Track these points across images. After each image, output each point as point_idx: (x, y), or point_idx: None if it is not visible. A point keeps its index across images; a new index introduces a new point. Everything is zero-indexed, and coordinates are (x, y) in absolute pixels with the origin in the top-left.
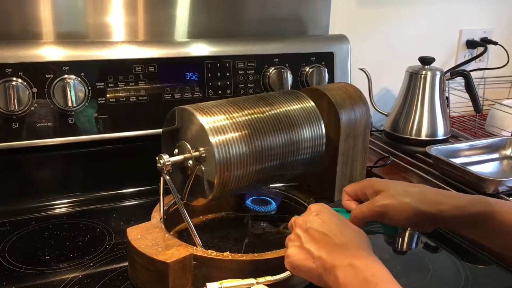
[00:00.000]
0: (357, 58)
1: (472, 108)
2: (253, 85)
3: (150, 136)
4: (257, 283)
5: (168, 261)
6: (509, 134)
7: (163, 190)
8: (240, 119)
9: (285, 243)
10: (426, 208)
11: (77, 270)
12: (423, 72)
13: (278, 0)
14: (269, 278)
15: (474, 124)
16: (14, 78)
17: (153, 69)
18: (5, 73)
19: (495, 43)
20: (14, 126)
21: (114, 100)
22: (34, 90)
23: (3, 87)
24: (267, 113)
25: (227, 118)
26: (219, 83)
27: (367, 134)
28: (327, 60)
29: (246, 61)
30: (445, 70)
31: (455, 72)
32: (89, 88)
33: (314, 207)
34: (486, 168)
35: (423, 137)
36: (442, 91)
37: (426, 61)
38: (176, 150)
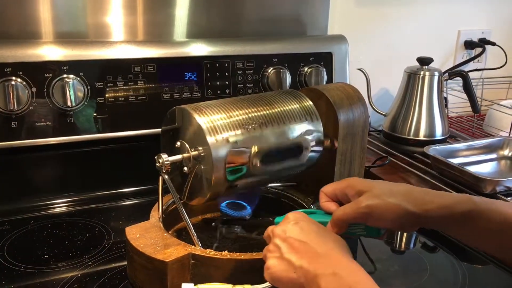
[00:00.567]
0: (356, 58)
1: (470, 109)
2: (252, 85)
3: (149, 136)
4: None
5: (167, 260)
6: (507, 135)
7: (162, 189)
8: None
9: (263, 255)
10: (412, 207)
11: (76, 269)
12: (421, 73)
13: (277, 0)
14: (247, 286)
15: (472, 125)
16: (14, 78)
17: (152, 69)
18: (4, 72)
19: (493, 44)
20: (13, 125)
21: (113, 99)
22: (34, 89)
23: (3, 87)
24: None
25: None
26: (218, 83)
27: (365, 134)
28: (325, 60)
29: (245, 61)
30: (443, 71)
31: (453, 72)
32: (88, 87)
33: (291, 216)
34: (484, 168)
35: (421, 137)
36: (440, 91)
37: (424, 61)
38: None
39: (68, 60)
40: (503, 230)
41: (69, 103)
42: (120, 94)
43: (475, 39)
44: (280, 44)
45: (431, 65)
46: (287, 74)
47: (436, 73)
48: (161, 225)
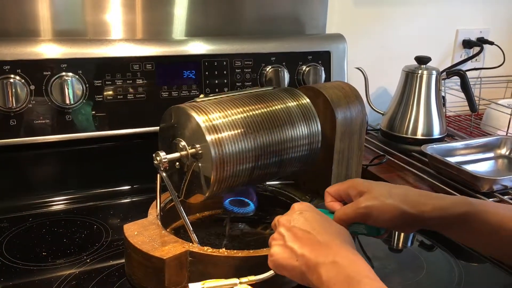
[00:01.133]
0: (354, 57)
1: (468, 108)
2: (250, 83)
3: (147, 134)
4: (240, 283)
5: (164, 257)
6: (504, 134)
7: (160, 187)
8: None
9: (268, 242)
10: (409, 209)
11: (74, 266)
12: (419, 72)
13: None
14: (252, 277)
15: (469, 124)
16: (12, 76)
17: (150, 67)
18: (3, 70)
19: (491, 43)
20: (12, 123)
21: (111, 97)
22: (32, 87)
23: (1, 84)
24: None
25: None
26: (216, 82)
27: (363, 133)
28: (324, 59)
29: (243, 60)
30: (441, 70)
31: (451, 71)
32: (87, 85)
33: (297, 206)
34: (481, 167)
35: (419, 136)
36: (438, 90)
37: (422, 60)
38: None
39: (67, 58)
40: (498, 231)
41: (67, 101)
42: (118, 92)
43: (473, 38)
44: (278, 43)
45: (429, 64)
46: (285, 72)
47: (434, 72)
48: (159, 223)
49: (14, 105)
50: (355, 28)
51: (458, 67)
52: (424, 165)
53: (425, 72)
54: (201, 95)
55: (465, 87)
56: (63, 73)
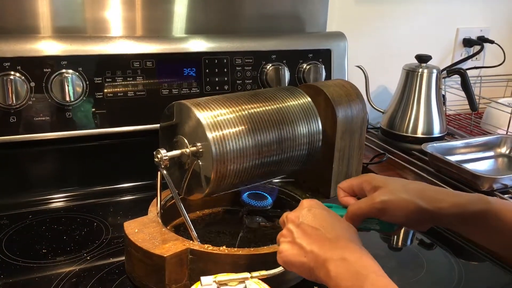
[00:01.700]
0: (354, 55)
1: (468, 106)
2: (250, 81)
3: (148, 131)
4: (252, 277)
5: (165, 255)
6: (505, 132)
7: (161, 184)
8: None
9: (277, 239)
10: (425, 205)
11: (74, 263)
12: (420, 70)
13: None
14: (263, 272)
15: (470, 122)
16: (12, 72)
17: (150, 65)
18: (3, 67)
19: (492, 42)
20: (11, 120)
21: (111, 95)
22: (32, 84)
23: (1, 81)
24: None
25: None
26: (216, 79)
27: (364, 131)
28: (324, 57)
29: (243, 57)
30: (441, 68)
31: (452, 70)
32: (87, 82)
33: (306, 203)
34: (481, 166)
35: (419, 134)
36: (438, 89)
37: (422, 59)
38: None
39: (67, 55)
40: None
41: (67, 98)
42: (118, 89)
43: (474, 37)
44: (279, 41)
45: (430, 62)
46: (285, 70)
47: (435, 71)
48: (159, 220)
49: (14, 102)
50: (355, 26)
51: (459, 66)
52: (424, 163)
53: (425, 70)
54: None
55: (466, 85)
56: (63, 70)
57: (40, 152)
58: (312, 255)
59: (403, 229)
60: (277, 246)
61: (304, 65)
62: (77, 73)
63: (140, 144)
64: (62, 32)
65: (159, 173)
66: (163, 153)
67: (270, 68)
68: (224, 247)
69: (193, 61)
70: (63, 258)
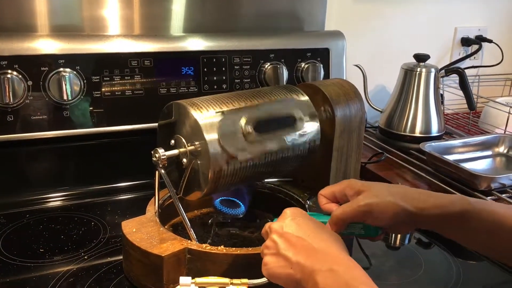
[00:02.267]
0: (353, 54)
1: (466, 106)
2: (248, 80)
3: (146, 130)
4: (232, 283)
5: (163, 255)
6: (503, 132)
7: (158, 184)
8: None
9: (260, 251)
10: (409, 206)
11: (72, 263)
12: (418, 69)
13: None
14: (245, 281)
15: (468, 122)
16: (9, 71)
17: (148, 63)
18: (0, 65)
19: (490, 41)
20: (9, 119)
21: (109, 94)
22: (29, 83)
23: None
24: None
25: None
26: (214, 78)
27: (362, 130)
28: (322, 56)
29: (242, 56)
30: (439, 68)
31: (450, 69)
32: (85, 81)
33: (289, 211)
34: (479, 165)
35: (417, 133)
36: (436, 88)
37: (421, 58)
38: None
39: (64, 53)
40: (495, 230)
41: (65, 97)
42: (116, 88)
43: (472, 36)
44: (277, 40)
45: (428, 61)
46: (284, 69)
47: (433, 70)
48: (157, 220)
49: (11, 100)
50: (354, 25)
51: (457, 65)
52: (423, 163)
53: (423, 69)
54: None
55: (464, 85)
56: (61, 69)
57: (37, 151)
58: (298, 266)
59: (385, 233)
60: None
61: (303, 64)
62: (75, 72)
63: (138, 143)
64: (60, 31)
65: (157, 172)
66: (161, 152)
67: (269, 67)
68: (222, 246)
69: (191, 60)
70: (61, 257)
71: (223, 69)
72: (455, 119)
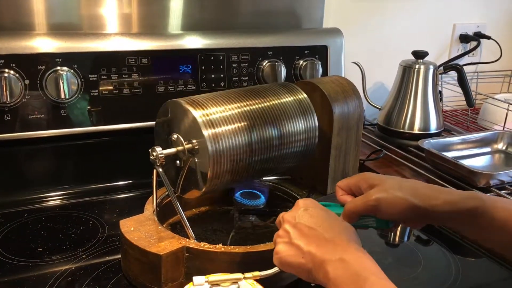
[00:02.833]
0: (351, 51)
1: (464, 102)
2: (246, 78)
3: (143, 129)
4: (244, 278)
5: (161, 253)
6: (501, 128)
7: (156, 182)
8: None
9: (273, 240)
10: (419, 202)
11: (70, 262)
12: (416, 66)
13: None
14: (256, 273)
15: (466, 118)
16: (6, 70)
17: (146, 61)
18: None
19: (488, 38)
20: (6, 118)
21: (107, 92)
22: (27, 81)
23: None
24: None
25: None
26: (212, 76)
27: (360, 128)
28: (321, 53)
29: (240, 54)
30: (438, 64)
31: (448, 66)
32: (82, 80)
33: (302, 202)
34: (478, 162)
35: (416, 130)
36: (435, 85)
37: (419, 55)
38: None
39: (62, 52)
40: (506, 227)
41: (62, 96)
42: (114, 86)
43: (470, 33)
44: (275, 37)
45: (426, 58)
46: (282, 67)
47: (431, 67)
48: (155, 218)
49: (9, 99)
50: (352, 22)
51: (455, 62)
52: (421, 160)
53: (422, 66)
54: None
55: (462, 81)
56: (58, 68)
57: (35, 150)
58: (309, 255)
59: (400, 226)
60: (274, 246)
61: (301, 62)
62: (72, 71)
63: (135, 142)
64: (57, 29)
65: (154, 171)
66: (159, 151)
67: (267, 65)
68: (221, 245)
69: (189, 58)
70: (59, 256)
71: (221, 67)
72: (454, 116)
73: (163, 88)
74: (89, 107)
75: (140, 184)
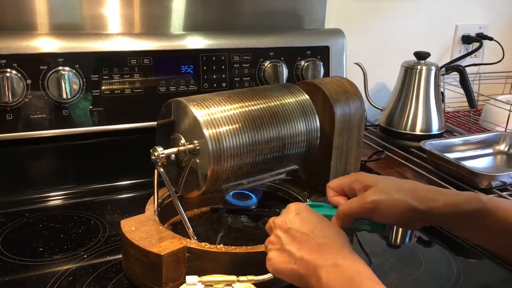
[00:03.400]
0: (353, 52)
1: (466, 104)
2: (248, 78)
3: (145, 129)
4: (239, 281)
5: (162, 253)
6: (503, 130)
7: (157, 182)
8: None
9: (264, 246)
10: (418, 205)
11: (71, 262)
12: (418, 67)
13: None
14: (251, 277)
15: (468, 119)
16: (8, 70)
17: (148, 62)
18: None
19: (491, 39)
20: (8, 117)
21: (108, 92)
22: (29, 81)
23: None
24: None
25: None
26: (214, 76)
27: (362, 128)
28: (322, 54)
29: (241, 55)
30: (440, 65)
31: (450, 67)
32: (84, 80)
33: (293, 206)
34: (480, 163)
35: (418, 131)
36: (437, 86)
37: (421, 56)
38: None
39: (64, 52)
40: (509, 229)
41: (64, 96)
42: (116, 86)
43: (473, 34)
44: (277, 38)
45: (428, 59)
46: (284, 67)
47: (433, 68)
48: (157, 218)
49: (11, 99)
50: (354, 23)
51: (457, 63)
52: (423, 161)
53: (424, 67)
54: None
55: (464, 82)
56: (60, 68)
57: (36, 150)
58: (302, 261)
59: (395, 228)
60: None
61: (302, 62)
62: (74, 71)
63: (137, 142)
64: (59, 29)
65: (156, 171)
66: (160, 151)
67: (268, 65)
68: (222, 245)
69: (191, 58)
70: (60, 256)
71: (223, 67)
72: (456, 117)
73: (165, 88)
74: (90, 107)
75: (141, 184)
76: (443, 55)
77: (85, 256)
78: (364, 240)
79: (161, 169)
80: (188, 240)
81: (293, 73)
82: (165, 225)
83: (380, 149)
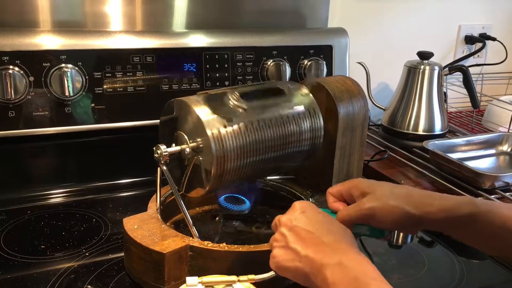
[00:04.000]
0: (356, 51)
1: (469, 104)
2: (251, 77)
3: (148, 127)
4: (239, 281)
5: (164, 252)
6: (506, 130)
7: (160, 180)
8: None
9: (269, 244)
10: (413, 210)
11: (73, 259)
12: (421, 67)
13: None
14: (252, 276)
15: (471, 120)
16: (11, 67)
17: (151, 60)
18: (1, 61)
19: (494, 39)
20: (10, 114)
21: (111, 90)
22: (31, 78)
23: (0, 75)
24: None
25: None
26: (217, 75)
27: (365, 128)
28: (325, 53)
29: (244, 53)
30: (443, 65)
31: (453, 67)
32: (86, 77)
33: (298, 205)
34: (483, 164)
35: (421, 131)
36: (440, 86)
37: (424, 56)
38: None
39: (66, 49)
40: (502, 232)
41: (66, 93)
42: (118, 84)
43: (476, 34)
44: (280, 36)
45: (431, 59)
46: (286, 66)
47: (436, 68)
48: (159, 217)
49: (13, 96)
50: (357, 22)
51: (460, 63)
52: (426, 161)
53: (427, 67)
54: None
55: (467, 83)
56: (63, 65)
57: (39, 147)
58: (307, 260)
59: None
60: (271, 250)
61: (305, 61)
62: (77, 68)
63: (139, 140)
64: (62, 26)
65: (158, 169)
66: (163, 149)
67: (271, 64)
68: (224, 244)
69: (194, 56)
70: (62, 254)
71: (226, 65)
72: (459, 117)
73: (167, 86)
74: (93, 104)
75: (144, 182)
76: (446, 55)
77: (87, 254)
78: (366, 240)
79: (164, 167)
80: (191, 238)
81: (296, 72)
82: (168, 224)
83: (383, 149)
